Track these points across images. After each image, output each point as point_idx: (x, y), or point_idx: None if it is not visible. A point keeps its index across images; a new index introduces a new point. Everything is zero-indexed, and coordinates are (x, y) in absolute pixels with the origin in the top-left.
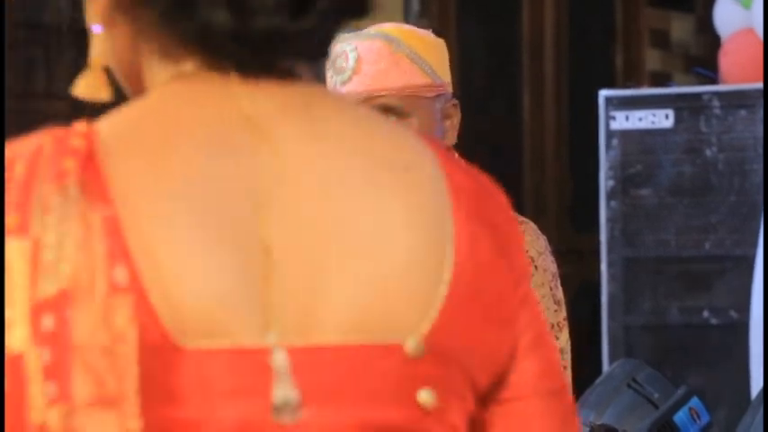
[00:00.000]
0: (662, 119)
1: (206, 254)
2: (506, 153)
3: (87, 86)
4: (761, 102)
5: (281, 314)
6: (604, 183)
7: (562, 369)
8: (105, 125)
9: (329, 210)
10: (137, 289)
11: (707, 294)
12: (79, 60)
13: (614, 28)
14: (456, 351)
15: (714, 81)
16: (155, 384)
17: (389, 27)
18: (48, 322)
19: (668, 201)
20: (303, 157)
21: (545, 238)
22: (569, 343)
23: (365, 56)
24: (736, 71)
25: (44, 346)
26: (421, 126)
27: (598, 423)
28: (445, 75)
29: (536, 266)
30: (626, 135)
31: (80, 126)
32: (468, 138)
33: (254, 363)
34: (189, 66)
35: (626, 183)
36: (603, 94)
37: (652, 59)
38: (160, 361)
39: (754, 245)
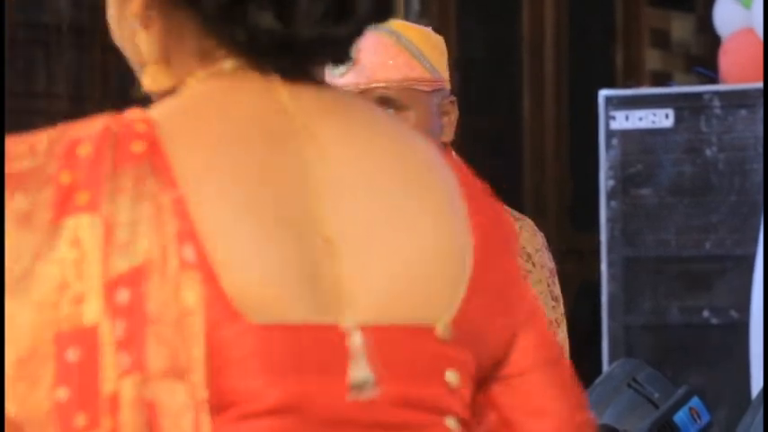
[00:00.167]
0: (662, 118)
1: (266, 237)
2: (506, 153)
3: (153, 81)
4: (761, 101)
5: (348, 297)
6: (604, 182)
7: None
8: (158, 115)
9: (369, 207)
10: (204, 266)
11: (707, 294)
12: (79, 60)
13: (614, 27)
14: (472, 336)
15: (714, 81)
16: (220, 356)
17: (390, 21)
18: (123, 296)
19: (668, 200)
20: (344, 158)
21: (542, 234)
22: (567, 339)
23: (365, 47)
24: (736, 71)
25: (118, 319)
26: (418, 120)
27: (598, 423)
28: (444, 71)
29: (533, 263)
30: (626, 135)
31: (137, 113)
32: (468, 137)
33: (318, 339)
34: (228, 64)
35: (626, 182)
36: (603, 93)
37: (652, 59)
38: (225, 334)
39: (755, 245)
